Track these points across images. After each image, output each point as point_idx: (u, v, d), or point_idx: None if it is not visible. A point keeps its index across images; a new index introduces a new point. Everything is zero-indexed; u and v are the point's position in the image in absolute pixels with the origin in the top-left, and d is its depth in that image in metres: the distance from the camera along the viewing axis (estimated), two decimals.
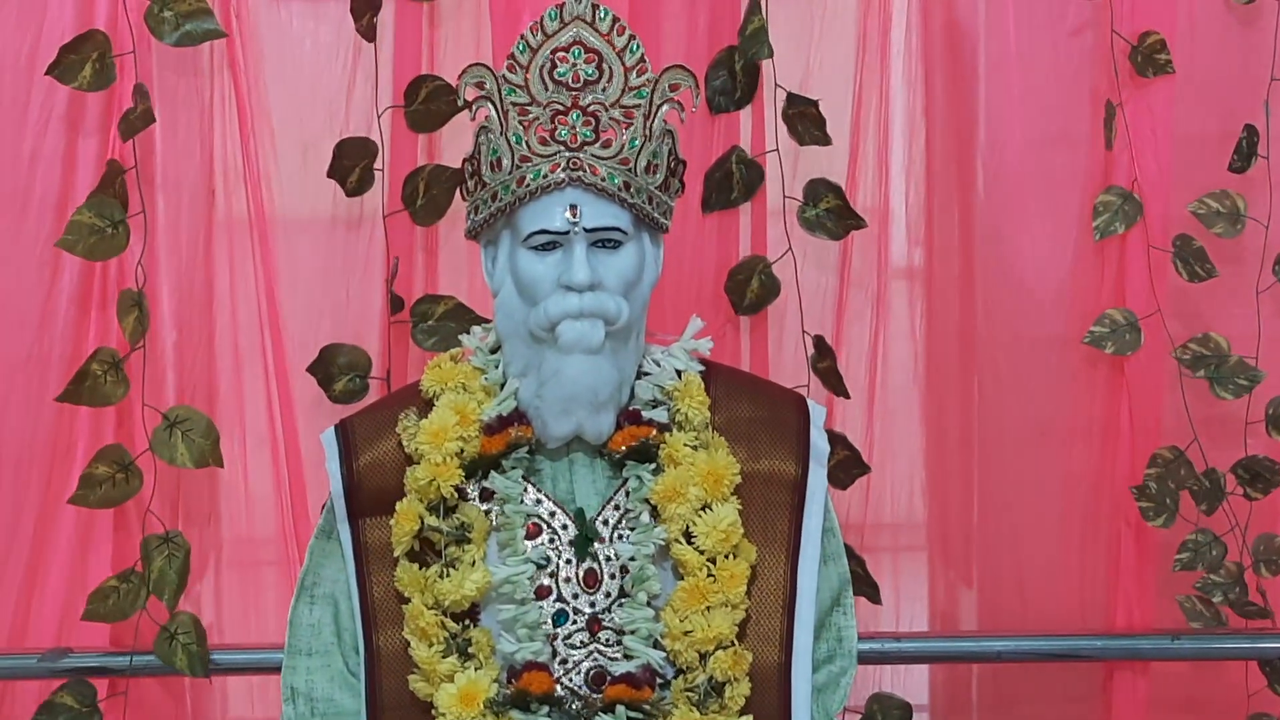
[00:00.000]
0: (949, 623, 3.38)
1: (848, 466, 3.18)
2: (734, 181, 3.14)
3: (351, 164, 3.09)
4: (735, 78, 3.12)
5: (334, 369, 3.12)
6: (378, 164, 3.11)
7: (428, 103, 3.08)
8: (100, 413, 3.10)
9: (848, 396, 3.18)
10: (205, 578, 3.26)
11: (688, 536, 2.37)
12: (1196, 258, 3.17)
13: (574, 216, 2.33)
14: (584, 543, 2.39)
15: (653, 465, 2.40)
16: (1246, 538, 3.21)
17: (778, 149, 3.14)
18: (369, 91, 3.12)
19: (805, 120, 3.12)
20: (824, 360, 3.17)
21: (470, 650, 2.36)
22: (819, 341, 3.16)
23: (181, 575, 3.05)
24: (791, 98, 3.13)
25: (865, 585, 3.20)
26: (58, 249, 3.07)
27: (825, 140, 3.12)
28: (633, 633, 2.36)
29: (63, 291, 3.13)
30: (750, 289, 3.15)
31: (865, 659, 2.88)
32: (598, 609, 2.38)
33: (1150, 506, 3.17)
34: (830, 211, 3.14)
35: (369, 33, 3.08)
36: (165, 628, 3.06)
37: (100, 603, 3.05)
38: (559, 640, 2.37)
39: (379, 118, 3.11)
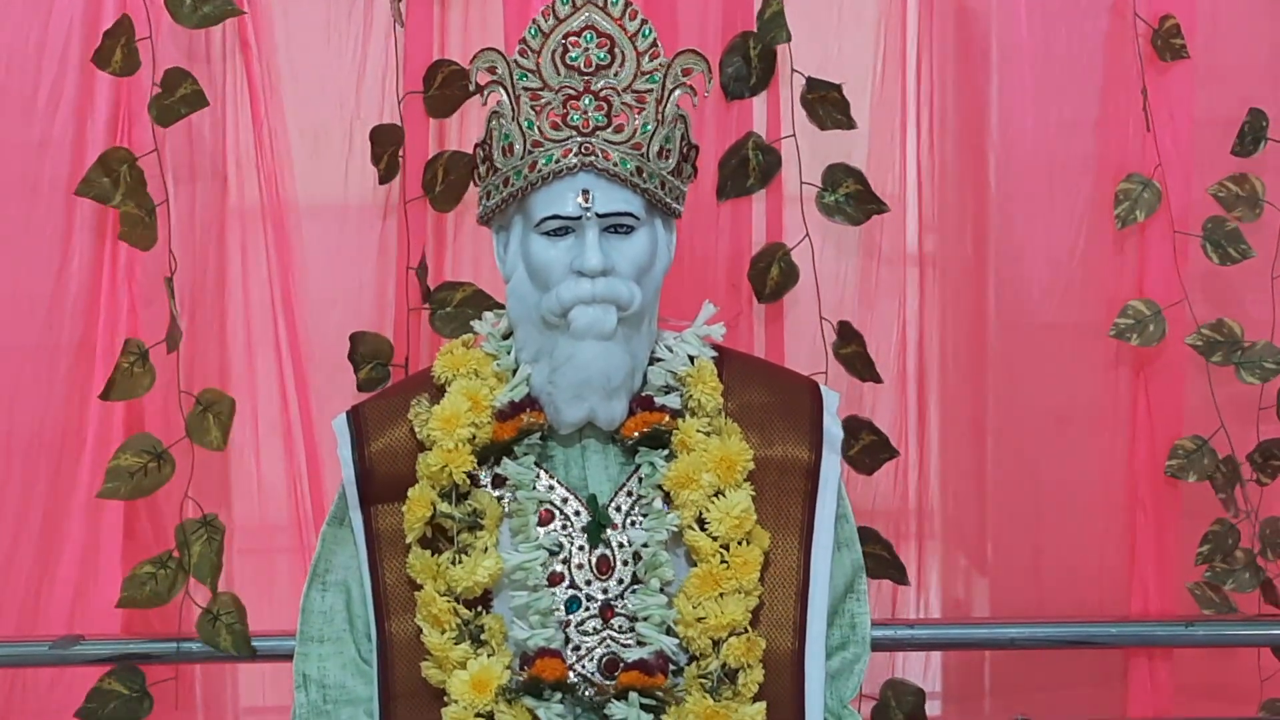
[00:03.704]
0: (962, 609, 3.37)
1: (874, 451, 3.17)
2: (750, 168, 3.12)
3: (382, 150, 3.08)
4: (750, 64, 3.11)
5: (357, 357, 3.12)
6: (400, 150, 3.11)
7: (443, 88, 3.07)
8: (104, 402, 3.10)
9: (878, 380, 3.17)
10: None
11: (701, 523, 2.36)
12: (1230, 239, 3.14)
13: (586, 201, 2.32)
14: (596, 529, 2.38)
15: (665, 451, 2.39)
16: (1256, 521, 3.20)
17: (794, 134, 3.12)
18: (379, 77, 3.12)
19: (827, 104, 3.10)
20: (847, 345, 3.15)
21: (483, 637, 2.35)
22: (843, 326, 3.15)
23: (219, 557, 3.05)
24: (811, 82, 3.11)
25: (892, 568, 3.19)
26: (69, 238, 3.09)
27: (849, 124, 3.11)
28: (645, 619, 2.35)
29: (72, 279, 3.13)
30: (770, 276, 3.14)
31: (879, 645, 2.88)
32: (610, 595, 2.37)
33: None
34: (850, 196, 3.13)
35: (399, 16, 3.08)
36: (208, 610, 3.05)
37: (136, 589, 3.04)
38: (572, 627, 2.36)
39: (400, 103, 3.09)
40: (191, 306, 3.17)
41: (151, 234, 3.03)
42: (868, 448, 3.16)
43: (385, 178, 3.10)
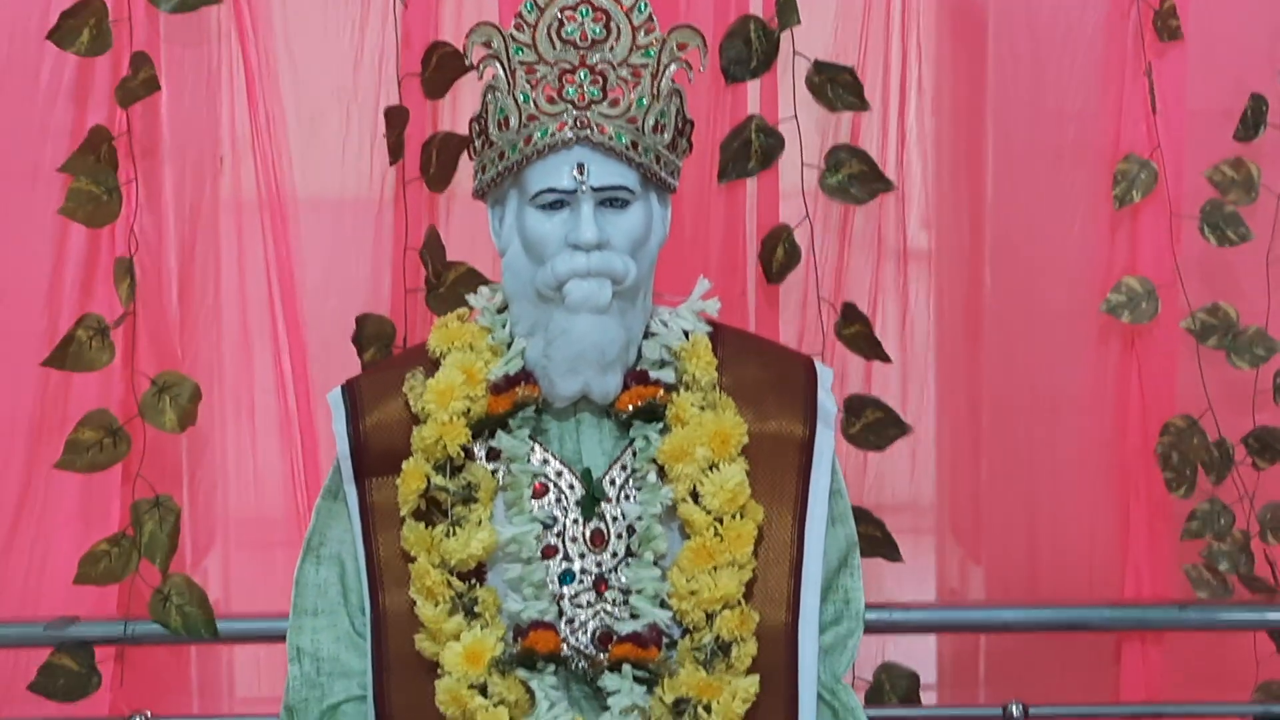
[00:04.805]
0: (957, 598, 3.39)
1: (882, 427, 3.18)
2: (752, 150, 3.13)
3: (394, 131, 3.09)
4: (751, 47, 3.11)
5: (361, 339, 3.13)
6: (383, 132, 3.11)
7: (438, 69, 3.08)
8: (107, 381, 3.11)
9: (887, 359, 3.18)
10: (212, 555, 3.27)
11: (695, 496, 2.36)
12: (1229, 222, 3.15)
13: (581, 175, 2.32)
14: (591, 502, 2.38)
15: (660, 425, 2.39)
16: (1254, 507, 3.20)
17: (796, 116, 3.13)
18: (376, 59, 3.13)
19: (837, 86, 3.11)
20: (851, 326, 3.16)
21: (476, 609, 2.34)
22: (847, 308, 3.15)
23: (173, 538, 3.06)
24: (819, 64, 3.11)
25: (884, 546, 3.19)
26: (66, 221, 3.07)
27: (862, 105, 3.12)
28: (639, 592, 2.35)
29: (68, 262, 3.14)
30: (776, 258, 3.15)
31: (873, 628, 2.88)
32: (604, 569, 2.37)
33: (1173, 477, 3.17)
34: (854, 177, 3.13)
35: None
36: (159, 590, 3.06)
37: (91, 566, 3.06)
38: (565, 600, 2.36)
39: (399, 84, 3.10)
40: (184, 290, 3.18)
41: (108, 212, 3.04)
42: (874, 424, 3.16)
43: (395, 158, 3.10)
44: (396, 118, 3.08)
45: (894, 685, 3.22)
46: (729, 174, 3.14)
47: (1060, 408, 3.25)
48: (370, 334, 3.12)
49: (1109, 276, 3.19)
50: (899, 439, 3.21)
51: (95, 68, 3.10)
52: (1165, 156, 3.15)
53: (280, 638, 2.55)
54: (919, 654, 3.33)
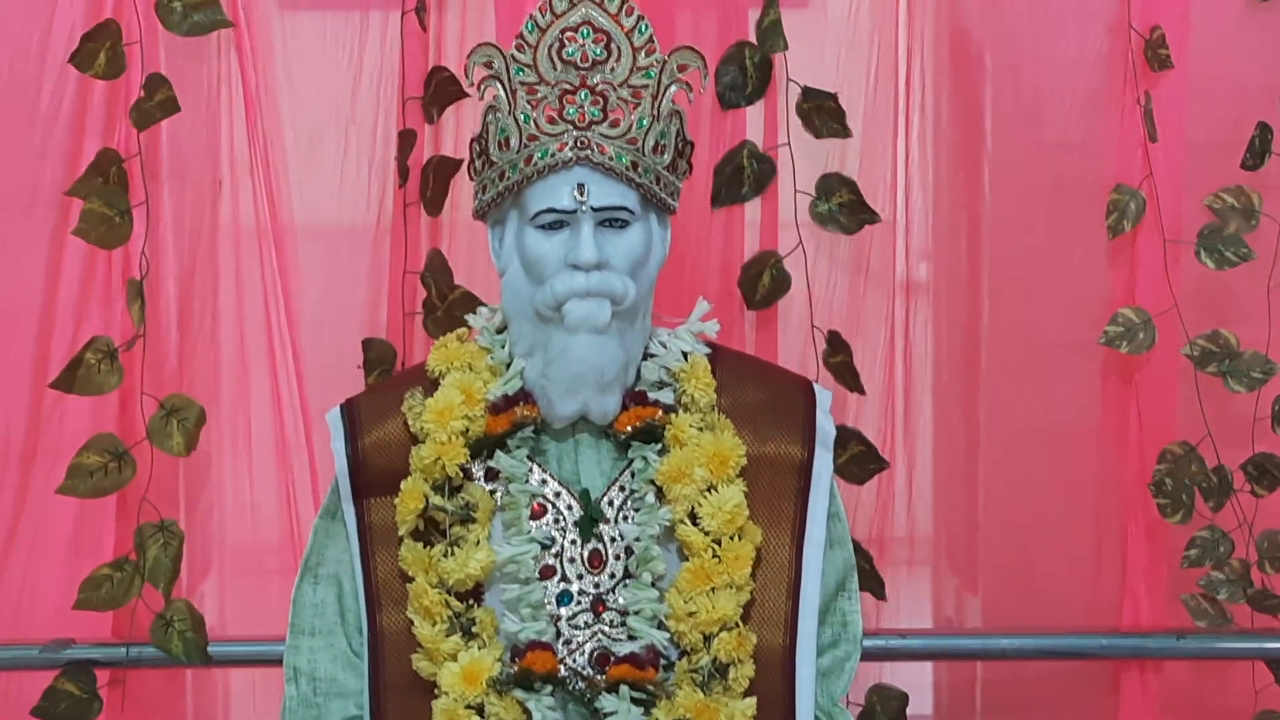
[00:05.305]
0: (953, 628, 3.37)
1: (863, 461, 3.17)
2: (745, 176, 3.13)
3: (404, 154, 3.09)
4: (746, 73, 3.12)
5: (368, 362, 3.13)
6: (394, 155, 3.11)
7: (437, 93, 3.08)
8: (103, 404, 3.09)
9: (862, 392, 3.16)
10: (209, 580, 3.25)
11: (693, 518, 2.36)
12: (1228, 243, 3.14)
13: (581, 195, 2.33)
14: (589, 523, 2.38)
15: (658, 446, 2.39)
16: (1253, 534, 3.19)
17: (789, 143, 3.13)
18: (374, 84, 3.13)
19: (822, 114, 3.11)
20: (837, 355, 3.15)
21: (474, 630, 2.35)
22: (833, 336, 3.15)
23: (176, 563, 3.04)
24: (807, 91, 3.11)
25: (870, 580, 3.18)
26: (62, 244, 3.07)
27: (845, 132, 3.11)
28: (637, 613, 2.35)
29: (64, 285, 3.12)
30: (761, 284, 3.15)
31: (870, 655, 2.87)
32: (602, 590, 2.37)
33: (1167, 503, 3.16)
34: (844, 206, 3.13)
35: (422, 19, 3.10)
36: (161, 615, 3.05)
37: (93, 591, 3.04)
38: (563, 620, 2.36)
39: (404, 106, 3.10)
40: (182, 313, 3.17)
41: (120, 234, 3.04)
42: (856, 458, 3.15)
43: (404, 180, 3.10)
44: (407, 141, 3.08)
45: (884, 707, 3.20)
46: (721, 200, 3.13)
47: (1058, 436, 3.23)
48: (373, 357, 3.11)
49: (1108, 306, 3.18)
50: (882, 470, 3.20)
51: (95, 90, 3.10)
52: (1163, 185, 3.14)
53: (276, 662, 2.55)
54: (916, 683, 3.31)
